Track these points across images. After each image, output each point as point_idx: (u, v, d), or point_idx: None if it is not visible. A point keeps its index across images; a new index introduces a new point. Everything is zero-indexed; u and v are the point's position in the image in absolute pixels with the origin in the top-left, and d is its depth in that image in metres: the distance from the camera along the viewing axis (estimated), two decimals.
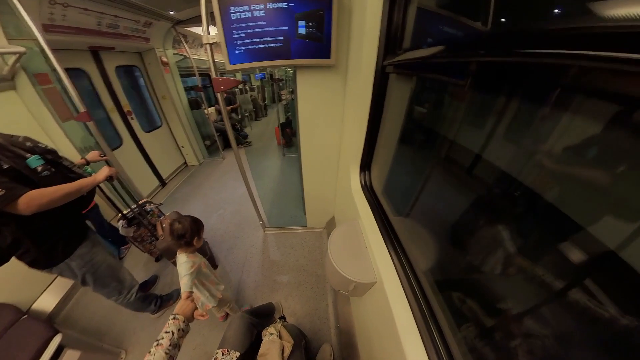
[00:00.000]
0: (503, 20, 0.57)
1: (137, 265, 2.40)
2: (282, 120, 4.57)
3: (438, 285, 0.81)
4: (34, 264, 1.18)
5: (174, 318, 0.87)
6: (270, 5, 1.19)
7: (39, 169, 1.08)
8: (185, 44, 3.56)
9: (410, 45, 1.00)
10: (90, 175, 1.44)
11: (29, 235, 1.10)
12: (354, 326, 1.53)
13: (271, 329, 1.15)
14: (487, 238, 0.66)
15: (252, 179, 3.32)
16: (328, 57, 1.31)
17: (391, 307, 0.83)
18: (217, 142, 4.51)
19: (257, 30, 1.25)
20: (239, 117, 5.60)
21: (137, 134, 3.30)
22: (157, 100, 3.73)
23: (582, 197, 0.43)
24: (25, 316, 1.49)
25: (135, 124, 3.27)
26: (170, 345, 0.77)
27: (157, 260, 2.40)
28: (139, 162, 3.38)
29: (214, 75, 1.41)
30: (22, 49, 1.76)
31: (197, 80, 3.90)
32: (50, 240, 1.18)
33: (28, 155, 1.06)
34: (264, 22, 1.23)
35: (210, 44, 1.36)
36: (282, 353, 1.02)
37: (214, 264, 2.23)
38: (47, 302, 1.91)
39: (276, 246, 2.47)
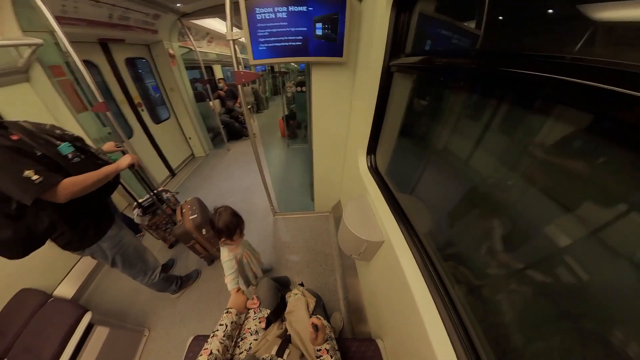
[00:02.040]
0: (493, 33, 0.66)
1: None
2: (286, 112, 4.57)
3: (436, 243, 0.91)
4: (67, 245, 1.21)
5: (227, 312, 0.92)
6: (291, 8, 1.31)
7: (70, 155, 1.09)
8: (190, 37, 3.53)
9: (413, 49, 1.11)
10: (114, 161, 1.49)
11: (64, 218, 1.13)
12: (361, 295, 1.68)
13: (295, 290, 1.25)
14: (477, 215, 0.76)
15: (266, 166, 3.39)
16: (340, 55, 1.43)
17: (400, 261, 0.92)
18: (222, 134, 4.53)
19: (279, 29, 1.36)
20: (242, 109, 5.60)
21: (148, 125, 3.32)
22: (166, 93, 3.73)
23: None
24: (52, 298, 1.54)
25: (145, 115, 3.28)
26: (224, 336, 0.83)
27: (171, 247, 2.45)
28: (150, 153, 3.42)
29: (236, 69, 1.50)
30: (39, 41, 1.76)
31: (203, 73, 3.88)
32: (83, 222, 1.22)
33: (58, 142, 1.08)
34: (286, 23, 1.34)
35: (233, 40, 1.43)
36: (308, 307, 1.11)
37: None
38: (69, 286, 1.96)
39: (286, 229, 2.56)
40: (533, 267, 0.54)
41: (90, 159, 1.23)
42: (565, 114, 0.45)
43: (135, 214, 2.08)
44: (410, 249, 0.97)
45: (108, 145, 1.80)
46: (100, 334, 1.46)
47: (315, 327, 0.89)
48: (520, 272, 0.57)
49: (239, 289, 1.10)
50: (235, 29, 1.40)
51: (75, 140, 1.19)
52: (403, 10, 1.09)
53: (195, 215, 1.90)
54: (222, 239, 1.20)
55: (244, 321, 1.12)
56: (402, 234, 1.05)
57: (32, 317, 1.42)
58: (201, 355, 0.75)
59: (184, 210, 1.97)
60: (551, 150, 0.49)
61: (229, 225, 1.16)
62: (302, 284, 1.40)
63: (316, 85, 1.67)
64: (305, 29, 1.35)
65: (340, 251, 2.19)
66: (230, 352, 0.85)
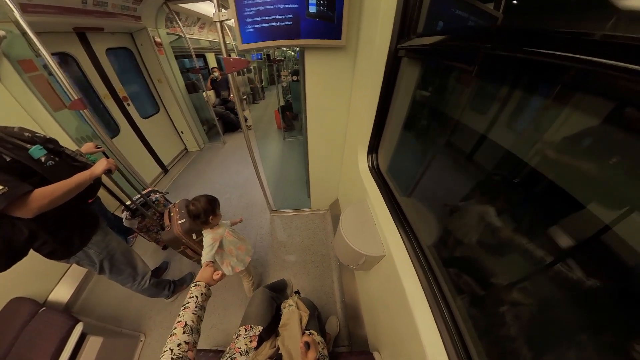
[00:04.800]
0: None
1: (144, 254, 2.35)
2: (282, 103, 4.34)
3: (442, 258, 0.85)
4: (52, 255, 1.14)
5: (196, 285, 0.90)
6: None
7: (43, 159, 1.00)
8: (179, 22, 3.25)
9: (425, 29, 0.92)
10: (94, 163, 1.35)
11: (44, 227, 1.05)
12: (359, 299, 1.60)
13: (290, 301, 1.20)
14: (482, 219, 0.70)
15: (260, 162, 3.24)
16: (338, 37, 1.20)
17: (401, 277, 0.86)
18: (217, 126, 4.32)
19: (266, 7, 1.14)
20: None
21: (135, 121, 3.12)
22: (153, 84, 3.48)
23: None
24: (44, 308, 1.47)
25: (132, 110, 3.07)
26: (196, 307, 0.82)
27: (164, 248, 2.35)
28: (139, 150, 3.23)
29: (224, 55, 1.28)
30: (1, 32, 1.55)
31: (195, 62, 3.61)
32: (66, 229, 1.14)
33: (28, 145, 0.97)
34: None
35: (221, 22, 1.21)
36: (301, 322, 1.07)
37: None
38: (62, 293, 1.90)
39: (282, 228, 2.46)
40: (557, 290, 0.48)
41: (65, 161, 1.14)
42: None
43: (123, 217, 1.97)
44: (414, 265, 0.89)
45: (87, 147, 1.66)
46: (94, 344, 1.42)
47: (307, 345, 0.87)
48: (542, 299, 0.52)
49: (209, 264, 1.07)
50: (223, 10, 1.21)
51: (47, 142, 1.09)
52: None
53: (184, 220, 1.77)
54: (202, 223, 1.25)
55: (234, 339, 1.06)
56: (405, 247, 0.96)
57: (23, 329, 1.36)
58: (175, 328, 0.74)
59: (172, 214, 1.84)
60: (594, 152, 0.43)
61: (205, 209, 1.22)
62: (298, 292, 1.34)
63: (310, 74, 1.45)
64: (295, 5, 1.13)
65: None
66: (202, 321, 0.84)
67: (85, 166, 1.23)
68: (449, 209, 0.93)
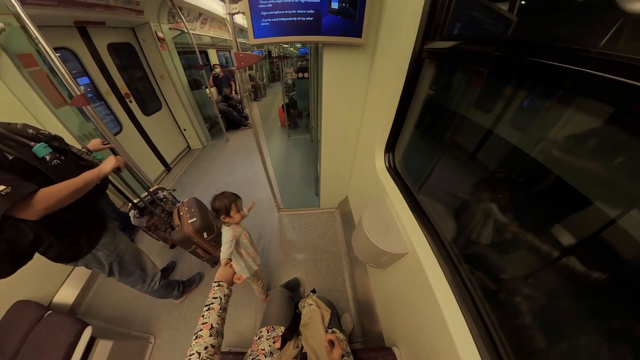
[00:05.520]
0: None
1: (151, 253, 2.29)
2: (286, 100, 4.25)
3: (465, 254, 0.85)
4: (58, 258, 1.09)
5: (219, 285, 0.88)
6: None
7: (48, 157, 0.93)
8: (182, 17, 3.15)
9: (455, 30, 0.88)
10: (100, 162, 1.29)
11: (50, 229, 0.99)
12: (372, 296, 1.60)
13: (309, 300, 1.19)
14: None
15: (269, 161, 3.19)
16: (359, 35, 1.16)
17: (427, 274, 0.86)
18: (220, 123, 4.23)
19: (286, 0, 1.07)
20: (239, 97, 5.25)
21: (138, 118, 3.03)
22: (156, 81, 3.39)
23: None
24: (50, 312, 1.41)
25: (134, 107, 2.99)
26: (220, 308, 0.81)
27: (172, 247, 2.29)
28: (141, 148, 3.14)
29: (235, 50, 1.22)
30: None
31: (198, 58, 3.51)
32: (72, 232, 1.08)
33: (32, 143, 0.91)
34: None
35: (232, 14, 1.13)
36: (323, 321, 1.07)
37: None
38: (67, 294, 1.83)
39: (291, 227, 2.42)
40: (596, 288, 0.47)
41: (71, 160, 1.07)
42: None
43: (131, 216, 1.90)
44: (438, 261, 0.88)
45: (94, 143, 1.59)
46: (104, 347, 1.38)
47: (332, 343, 0.89)
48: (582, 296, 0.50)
49: (228, 262, 1.05)
50: (233, 4, 1.13)
51: (52, 140, 1.02)
52: None
53: (195, 219, 1.71)
54: (222, 217, 1.25)
55: (255, 341, 1.04)
56: (429, 243, 0.95)
57: (29, 334, 1.30)
58: (201, 330, 0.72)
59: (181, 214, 1.78)
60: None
61: (225, 204, 1.22)
62: (314, 291, 1.32)
63: (328, 71, 1.41)
64: (317, 0, 1.08)
65: (347, 250, 2.08)
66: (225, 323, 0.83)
67: (92, 165, 1.16)
68: (468, 205, 0.92)
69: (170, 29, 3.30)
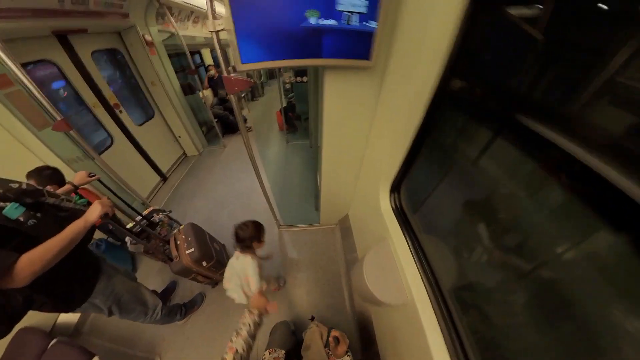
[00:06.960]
0: None
1: (150, 272, 2.23)
2: (284, 104, 4.05)
3: (465, 308, 0.82)
4: (55, 310, 1.07)
5: (250, 312, 0.90)
6: None
7: (22, 218, 0.84)
8: (170, 18, 2.92)
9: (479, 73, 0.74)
10: (84, 205, 1.17)
11: (38, 290, 0.94)
12: (371, 317, 1.60)
13: (310, 326, 1.24)
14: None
15: (265, 174, 3.04)
16: (366, 57, 0.97)
17: (423, 326, 0.84)
18: (216, 128, 4.05)
19: (276, 17, 0.89)
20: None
21: (130, 129, 2.86)
22: (146, 88, 3.19)
23: None
24: (55, 340, 1.37)
25: (125, 117, 2.81)
26: (248, 335, 0.82)
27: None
28: (135, 160, 2.98)
29: (225, 74, 1.05)
30: None
31: (190, 61, 3.27)
32: (63, 286, 1.03)
33: (2, 204, 0.81)
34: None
35: (216, 32, 0.94)
36: (322, 337, 1.12)
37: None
38: (70, 315, 1.78)
39: (292, 244, 2.34)
40: None
41: (50, 214, 0.96)
42: None
43: (128, 242, 1.81)
44: (437, 317, 0.85)
45: (79, 177, 1.47)
46: None
47: (337, 340, 0.94)
48: None
49: (261, 291, 1.10)
50: (218, 19, 0.94)
51: (23, 195, 0.89)
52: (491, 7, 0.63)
53: (192, 249, 1.63)
54: (246, 247, 1.26)
55: None
56: (428, 295, 0.92)
57: None
58: (227, 353, 0.74)
59: (178, 242, 1.69)
60: None
61: (252, 235, 1.24)
62: (312, 318, 1.36)
63: (330, 96, 1.26)
64: (317, 17, 0.89)
65: (347, 269, 2.01)
66: (252, 350, 0.84)
67: (74, 214, 1.05)
68: (475, 255, 0.85)
69: (159, 31, 3.07)
